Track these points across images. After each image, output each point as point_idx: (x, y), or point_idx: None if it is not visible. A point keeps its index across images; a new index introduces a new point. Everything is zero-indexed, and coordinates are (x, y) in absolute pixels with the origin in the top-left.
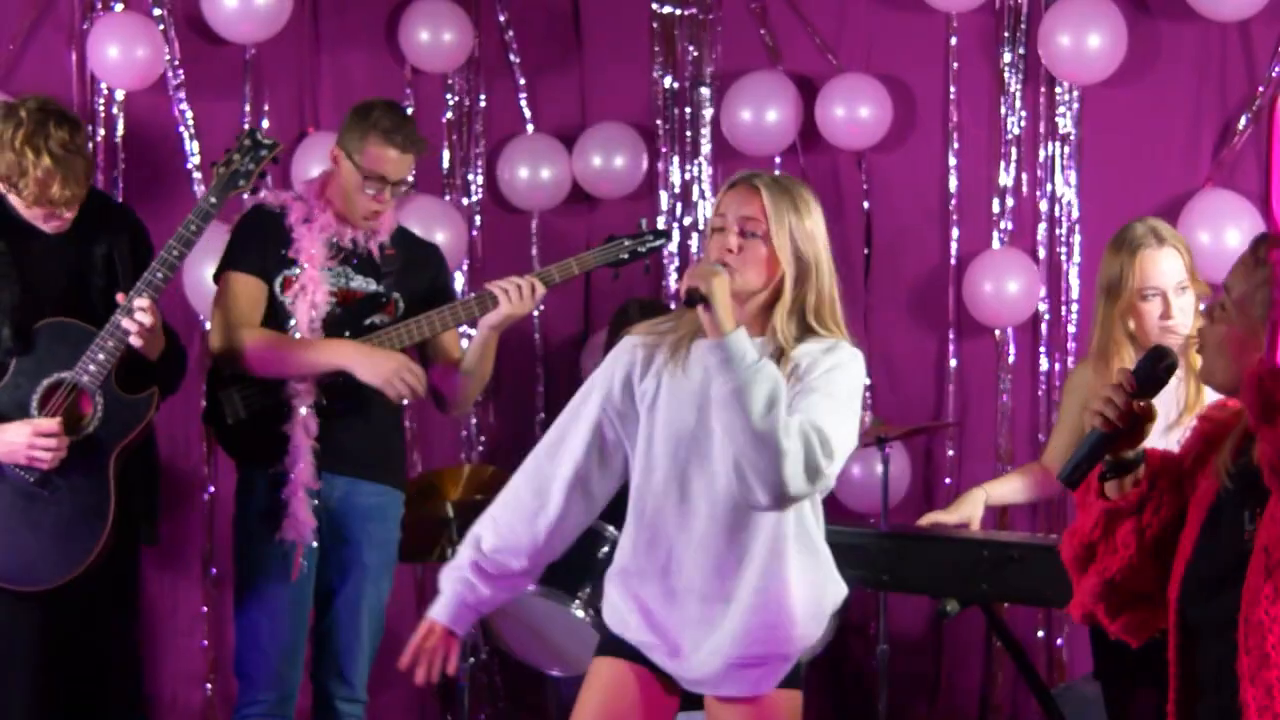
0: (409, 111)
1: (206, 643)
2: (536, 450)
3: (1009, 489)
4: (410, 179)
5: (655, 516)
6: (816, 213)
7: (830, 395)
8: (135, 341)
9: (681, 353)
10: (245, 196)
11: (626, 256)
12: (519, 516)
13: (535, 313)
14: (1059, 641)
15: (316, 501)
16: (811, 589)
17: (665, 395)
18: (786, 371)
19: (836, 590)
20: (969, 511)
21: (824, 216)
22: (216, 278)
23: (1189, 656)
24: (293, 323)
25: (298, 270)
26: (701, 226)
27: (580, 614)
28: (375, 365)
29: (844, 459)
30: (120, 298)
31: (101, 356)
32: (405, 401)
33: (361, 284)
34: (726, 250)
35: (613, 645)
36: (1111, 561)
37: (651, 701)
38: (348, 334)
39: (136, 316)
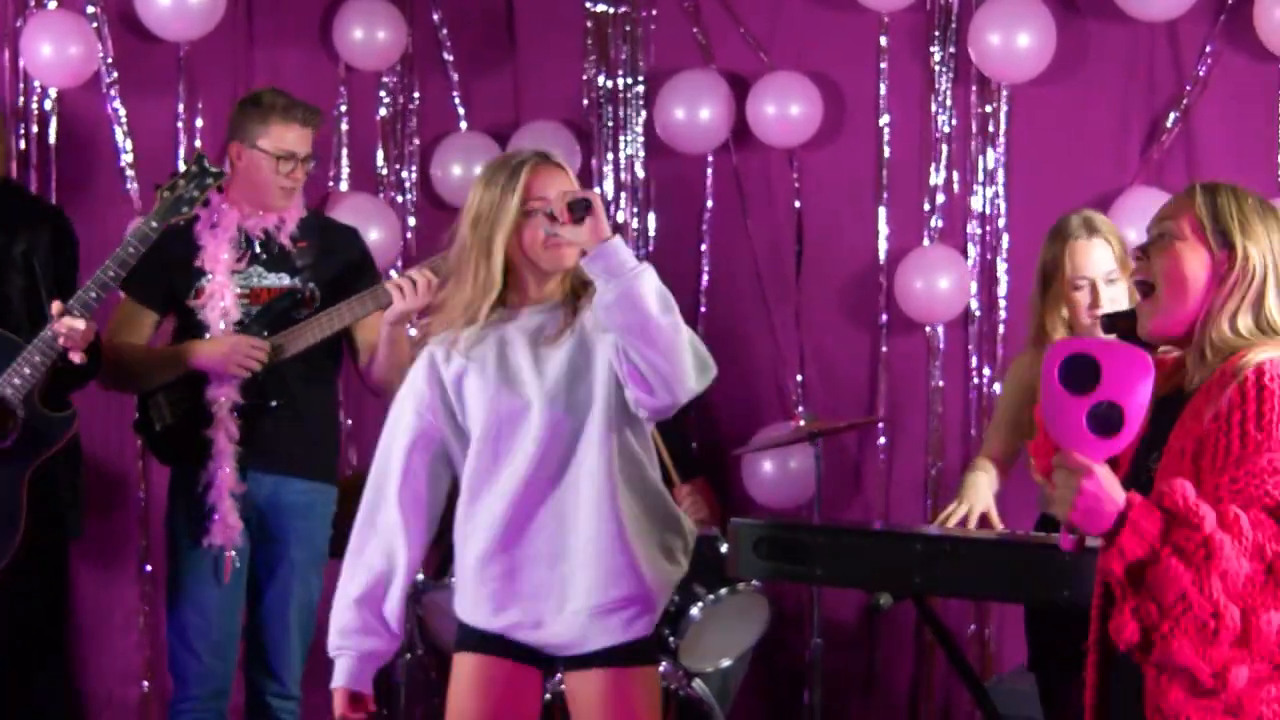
0: (342, 114)
1: (143, 640)
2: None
3: (992, 473)
4: (313, 154)
5: (483, 496)
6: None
7: None
8: (75, 358)
9: (474, 329)
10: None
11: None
12: (374, 575)
13: None
14: (991, 635)
15: (240, 504)
16: (649, 524)
17: (472, 376)
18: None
19: (681, 525)
20: (976, 499)
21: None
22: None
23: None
24: (209, 330)
25: (208, 279)
26: (632, 223)
27: None
28: (211, 355)
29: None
30: (56, 307)
31: (27, 370)
32: (246, 374)
33: (274, 280)
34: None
35: (469, 639)
36: None
37: (516, 686)
38: (266, 333)
39: (72, 335)
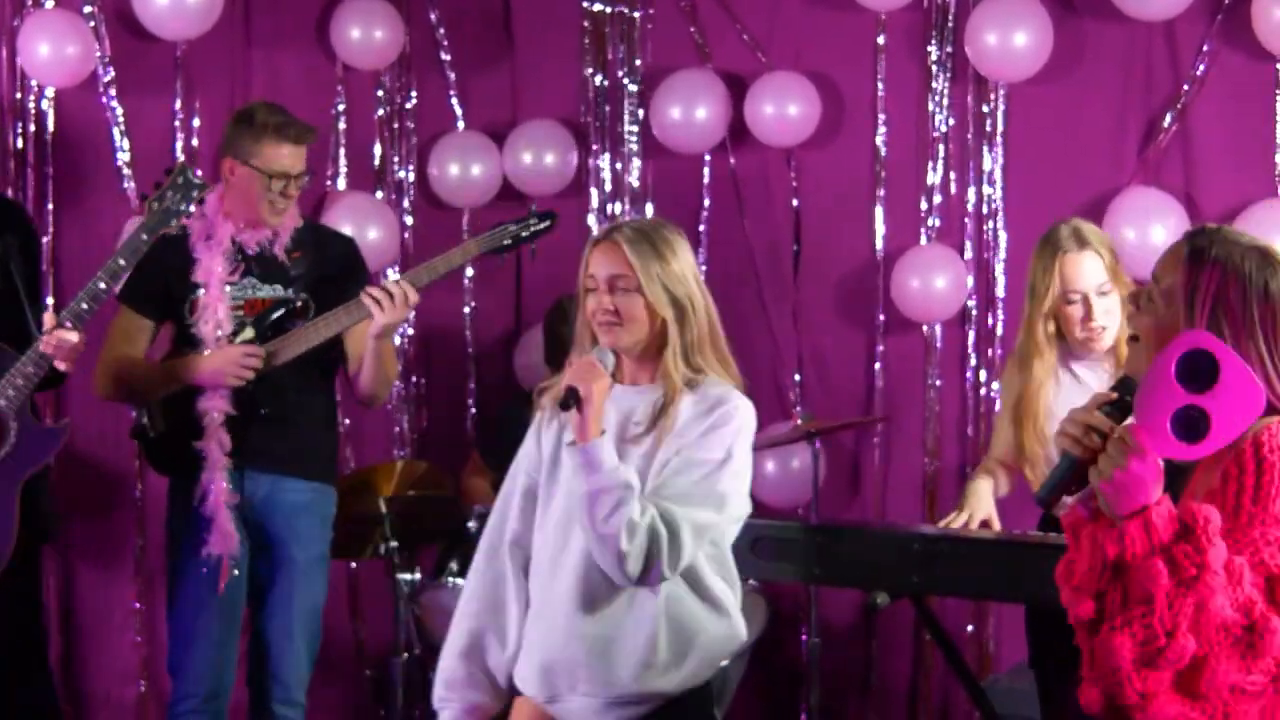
0: (340, 113)
1: (140, 640)
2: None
3: (996, 479)
4: (310, 170)
5: (539, 563)
6: (682, 251)
7: (699, 477)
8: (62, 367)
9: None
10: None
11: (509, 242)
12: (480, 627)
13: (466, 309)
14: (988, 634)
15: (237, 506)
16: (684, 631)
17: (549, 457)
18: (669, 424)
19: (727, 633)
20: (978, 506)
21: (689, 251)
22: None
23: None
24: (202, 344)
25: (201, 290)
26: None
27: None
28: (206, 370)
29: (739, 517)
30: (48, 320)
31: (20, 382)
32: (240, 383)
33: (269, 291)
34: (605, 311)
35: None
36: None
37: None
38: (259, 343)
39: (64, 348)
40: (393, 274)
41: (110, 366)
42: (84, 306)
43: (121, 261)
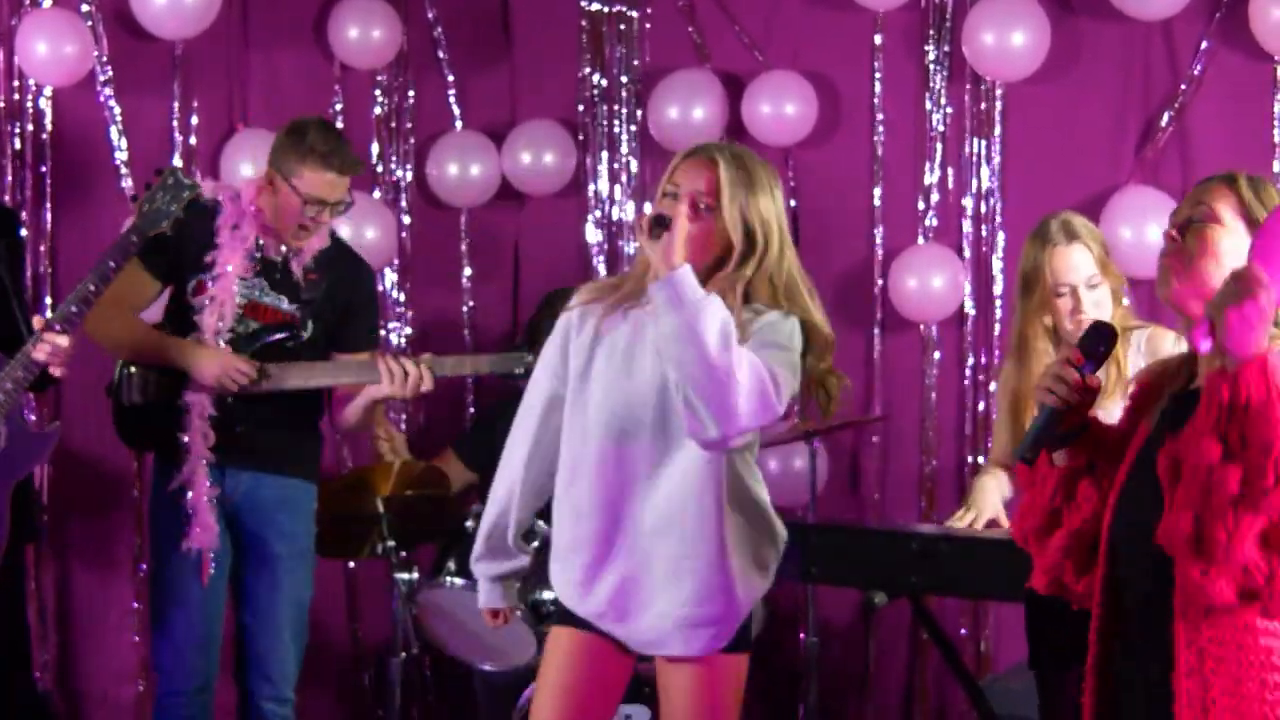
0: (337, 113)
1: (137, 638)
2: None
3: (1000, 479)
4: (350, 198)
5: (590, 484)
6: (776, 190)
7: (774, 343)
8: (57, 372)
9: (618, 314)
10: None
11: (521, 371)
12: (499, 508)
13: (464, 308)
14: (986, 634)
15: (210, 505)
16: (750, 544)
17: (600, 362)
18: None
19: (776, 536)
20: (985, 504)
21: (781, 195)
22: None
23: (1114, 590)
24: (202, 333)
25: (213, 277)
26: (629, 222)
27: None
28: (205, 366)
29: (787, 401)
30: (38, 323)
31: (9, 385)
32: (226, 391)
33: (273, 300)
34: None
35: (566, 614)
36: (1075, 517)
37: (606, 668)
38: (250, 354)
39: (56, 352)
40: (390, 273)
41: (108, 310)
42: (73, 309)
43: (111, 264)
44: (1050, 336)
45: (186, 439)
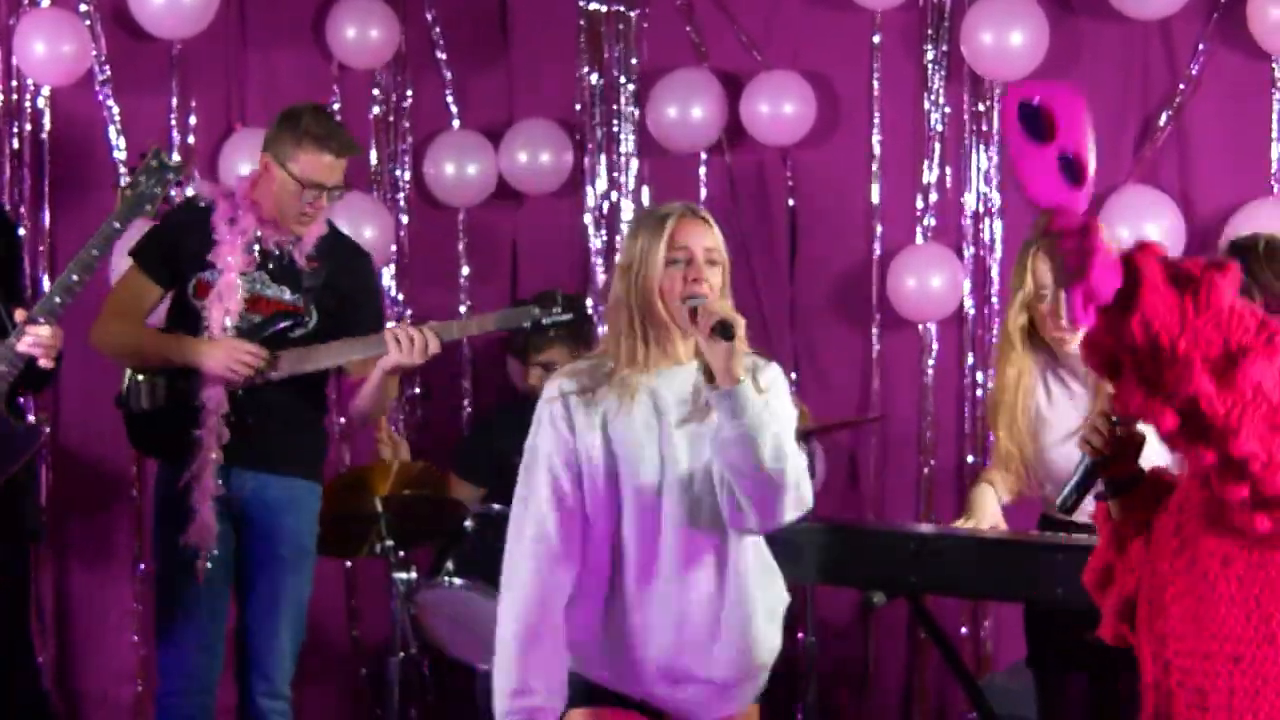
0: (335, 111)
1: (136, 638)
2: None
3: (997, 486)
4: (343, 183)
5: (621, 560)
6: None
7: (785, 409)
8: (45, 364)
9: (626, 398)
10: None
11: (528, 325)
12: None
13: (462, 308)
14: (985, 633)
15: (212, 505)
16: (771, 602)
17: (619, 446)
18: None
19: (784, 595)
20: (983, 513)
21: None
22: (130, 253)
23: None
24: (208, 329)
25: (214, 274)
26: (626, 221)
27: None
28: (211, 357)
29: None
30: (20, 315)
31: None
32: (236, 379)
33: (275, 292)
34: (701, 283)
35: (585, 693)
36: (1129, 580)
37: None
38: (258, 343)
39: (40, 344)
40: (388, 272)
41: (111, 321)
42: (57, 300)
43: (95, 252)
44: (1027, 340)
45: (200, 434)
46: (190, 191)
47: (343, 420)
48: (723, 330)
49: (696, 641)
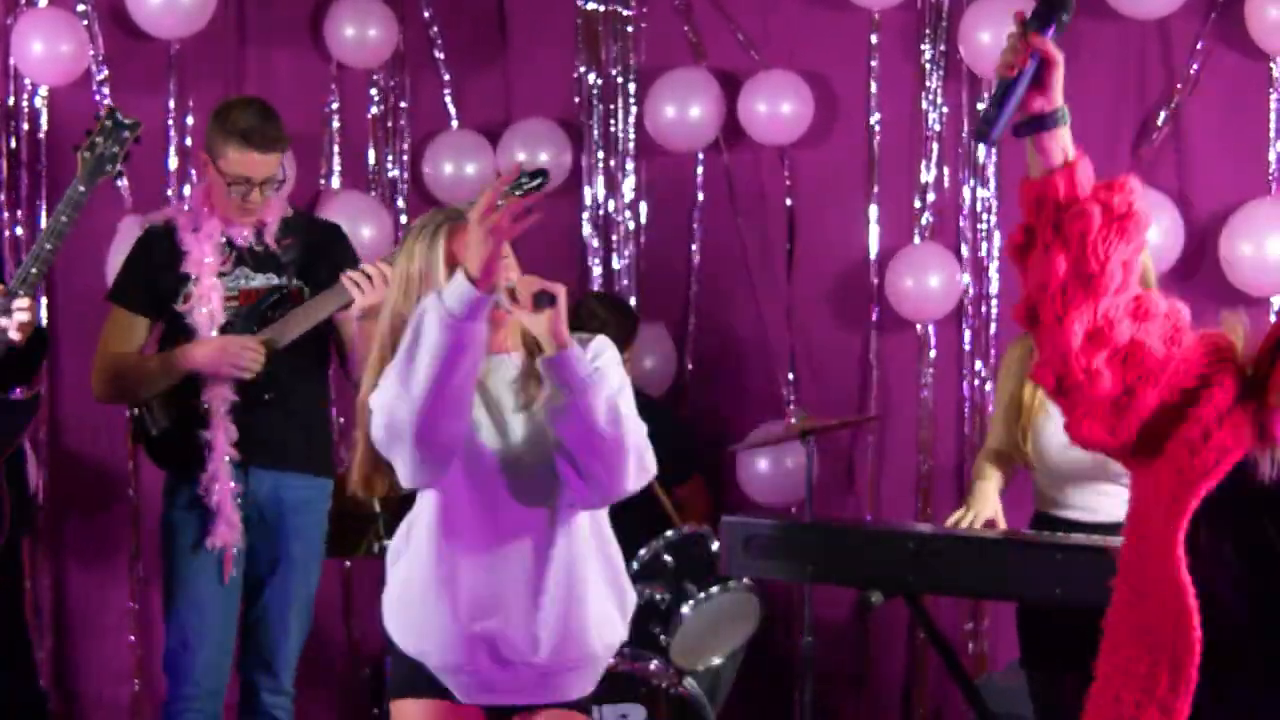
0: (334, 112)
1: (133, 638)
2: None
3: (998, 477)
4: (281, 175)
5: (463, 531)
6: None
7: (621, 388)
8: (15, 337)
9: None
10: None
11: (500, 203)
12: None
13: None
14: (983, 633)
15: (240, 500)
16: (609, 589)
17: (481, 416)
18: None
19: (628, 588)
20: (984, 505)
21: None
22: (108, 298)
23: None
24: (198, 334)
25: (194, 284)
26: (621, 221)
27: None
28: (202, 356)
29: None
30: None
31: None
32: (248, 376)
33: (263, 281)
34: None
35: (411, 681)
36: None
37: None
38: (255, 329)
39: (16, 316)
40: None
41: (106, 368)
42: (33, 271)
43: (64, 218)
44: None
45: (209, 436)
46: (147, 224)
47: (342, 420)
48: (546, 299)
49: (517, 621)
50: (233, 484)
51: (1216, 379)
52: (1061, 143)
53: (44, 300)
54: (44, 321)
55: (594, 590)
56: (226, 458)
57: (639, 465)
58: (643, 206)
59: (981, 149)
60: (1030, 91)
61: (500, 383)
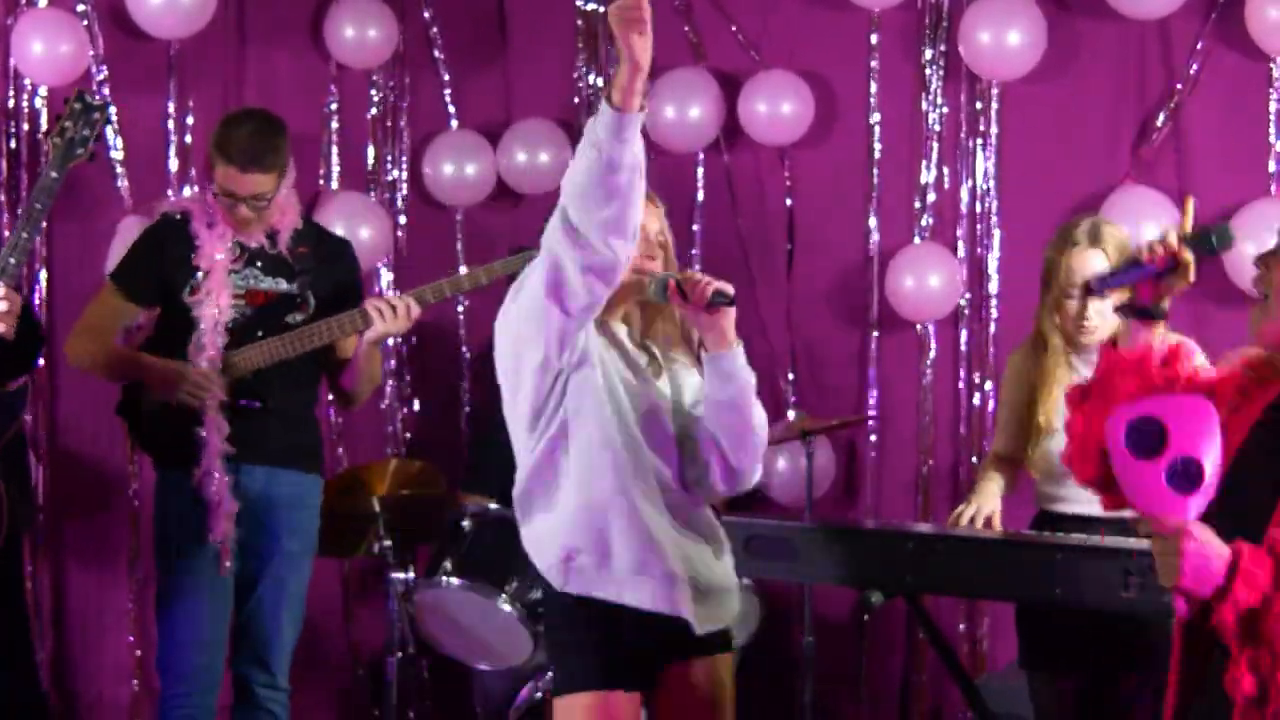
0: (333, 112)
1: (133, 639)
2: None
3: (1001, 480)
4: (269, 193)
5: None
6: None
7: None
8: (3, 329)
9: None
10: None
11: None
12: None
13: (459, 307)
14: (982, 633)
15: (233, 497)
16: None
17: (614, 374)
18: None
19: None
20: (985, 501)
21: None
22: (110, 276)
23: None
24: (202, 327)
25: (202, 276)
26: None
27: (507, 608)
28: (160, 379)
29: None
30: None
31: None
32: (199, 404)
33: (271, 284)
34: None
35: (604, 666)
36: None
37: None
38: (261, 334)
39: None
40: (385, 272)
41: (90, 337)
42: (12, 261)
43: (38, 206)
44: (1062, 335)
45: (203, 432)
46: (163, 208)
47: (340, 420)
48: (723, 298)
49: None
50: (226, 481)
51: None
52: (1148, 336)
53: (44, 301)
54: (41, 316)
55: None
56: (219, 453)
57: (762, 461)
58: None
59: (981, 150)
60: (1148, 283)
61: (629, 345)
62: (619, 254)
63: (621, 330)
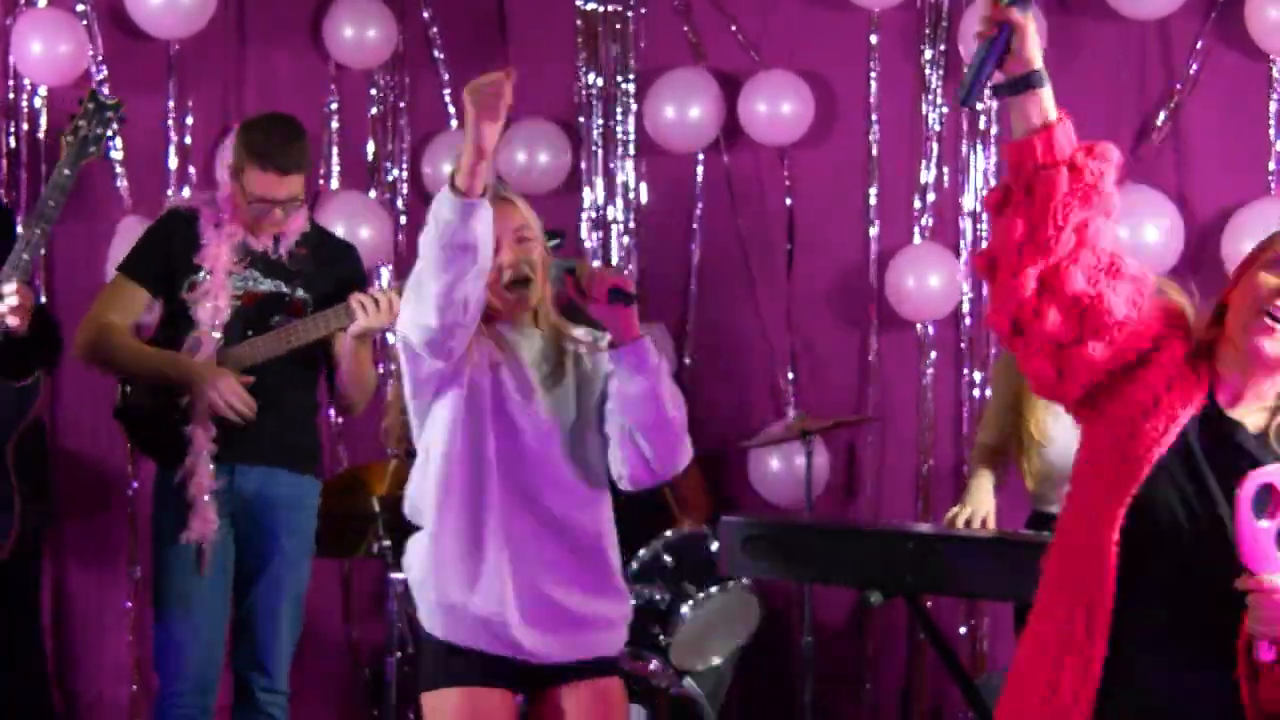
0: (333, 113)
1: (132, 639)
2: None
3: (991, 475)
4: (300, 195)
5: (491, 496)
6: None
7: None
8: (12, 322)
9: (506, 342)
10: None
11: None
12: None
13: None
14: (982, 632)
15: (210, 499)
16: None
17: (509, 383)
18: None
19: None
20: (980, 502)
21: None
22: (118, 268)
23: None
24: (200, 327)
25: (203, 275)
26: (621, 221)
27: None
28: (205, 387)
29: None
30: None
31: None
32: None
33: (269, 286)
34: (525, 263)
35: (453, 668)
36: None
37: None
38: (251, 333)
39: (7, 301)
40: (386, 272)
41: (98, 331)
42: (24, 258)
43: (51, 203)
44: None
45: (189, 431)
46: (172, 202)
47: (340, 420)
48: (624, 296)
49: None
50: (212, 480)
51: (1167, 343)
52: (1040, 105)
53: (42, 299)
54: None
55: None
56: (206, 453)
57: (688, 444)
58: (643, 207)
59: (981, 150)
60: (1005, 56)
61: (527, 357)
62: (444, 322)
63: (525, 342)
